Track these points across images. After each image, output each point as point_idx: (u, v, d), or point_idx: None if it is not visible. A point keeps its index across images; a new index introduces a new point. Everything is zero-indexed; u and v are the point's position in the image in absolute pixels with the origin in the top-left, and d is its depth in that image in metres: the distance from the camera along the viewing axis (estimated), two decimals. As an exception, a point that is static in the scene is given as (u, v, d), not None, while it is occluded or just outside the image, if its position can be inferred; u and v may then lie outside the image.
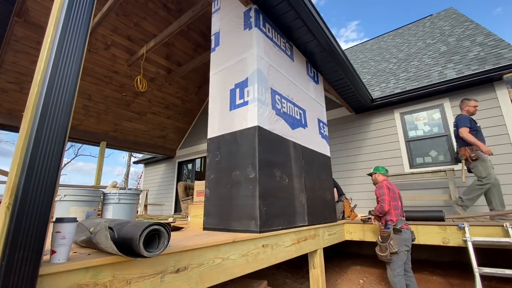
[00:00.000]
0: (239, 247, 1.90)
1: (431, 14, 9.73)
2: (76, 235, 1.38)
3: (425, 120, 5.14)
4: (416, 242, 3.19)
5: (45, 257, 1.04)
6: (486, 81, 4.48)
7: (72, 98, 1.10)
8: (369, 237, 3.52)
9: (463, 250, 4.00)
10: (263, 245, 2.15)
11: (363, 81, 6.45)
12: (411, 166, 5.10)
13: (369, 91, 5.66)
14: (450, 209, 4.40)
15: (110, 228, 1.17)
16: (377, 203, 3.12)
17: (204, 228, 2.60)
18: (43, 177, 0.97)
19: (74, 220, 1.13)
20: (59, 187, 2.60)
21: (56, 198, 2.36)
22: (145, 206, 7.89)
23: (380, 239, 2.90)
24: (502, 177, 4.16)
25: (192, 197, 4.87)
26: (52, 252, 1.05)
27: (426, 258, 4.47)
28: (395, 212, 2.95)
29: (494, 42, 5.16)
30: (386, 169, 3.43)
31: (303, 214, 2.92)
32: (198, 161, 9.44)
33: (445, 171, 4.40)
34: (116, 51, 5.97)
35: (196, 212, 2.96)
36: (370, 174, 3.49)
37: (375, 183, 3.39)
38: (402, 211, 3.04)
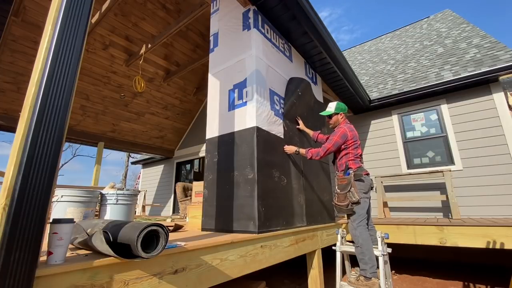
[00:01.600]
0: (237, 248, 1.89)
1: (428, 16, 9.80)
2: (73, 236, 1.37)
3: (423, 121, 5.16)
4: (413, 242, 3.20)
5: (42, 258, 1.04)
6: (482, 82, 4.52)
7: (70, 98, 1.09)
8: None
9: (460, 250, 4.04)
10: (261, 246, 2.15)
11: (361, 82, 6.48)
12: (408, 167, 5.12)
13: (367, 92, 5.68)
14: (447, 209, 4.43)
15: (104, 231, 1.17)
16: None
17: (203, 229, 2.59)
18: (40, 178, 0.96)
19: (71, 221, 1.12)
20: (57, 188, 2.59)
21: (53, 199, 2.35)
22: (143, 206, 7.87)
23: (337, 188, 2.54)
24: (498, 178, 4.20)
25: (191, 198, 4.86)
26: (49, 253, 1.04)
27: (423, 258, 4.49)
28: (356, 159, 2.63)
29: (490, 44, 5.21)
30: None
31: (301, 215, 2.92)
32: (196, 162, 9.42)
33: (442, 171, 4.43)
34: (114, 51, 5.95)
35: (194, 213, 2.95)
36: (330, 116, 2.90)
37: (334, 126, 2.89)
38: (361, 159, 2.77)
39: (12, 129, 6.14)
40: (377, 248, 2.43)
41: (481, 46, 5.33)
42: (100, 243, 1.08)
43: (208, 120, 2.94)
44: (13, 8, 4.37)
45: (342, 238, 2.69)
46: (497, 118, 4.33)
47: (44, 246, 1.06)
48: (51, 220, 1.10)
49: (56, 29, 1.10)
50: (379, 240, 2.45)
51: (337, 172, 2.69)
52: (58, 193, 2.33)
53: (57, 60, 1.07)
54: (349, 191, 2.44)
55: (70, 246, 1.37)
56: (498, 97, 4.39)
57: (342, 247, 2.65)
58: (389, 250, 2.52)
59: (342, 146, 2.67)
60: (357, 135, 2.72)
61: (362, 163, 2.72)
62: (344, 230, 2.73)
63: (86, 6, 1.20)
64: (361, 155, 2.70)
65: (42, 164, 0.97)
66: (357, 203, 2.42)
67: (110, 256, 1.12)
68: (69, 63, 1.10)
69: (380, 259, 2.35)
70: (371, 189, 2.65)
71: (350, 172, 2.53)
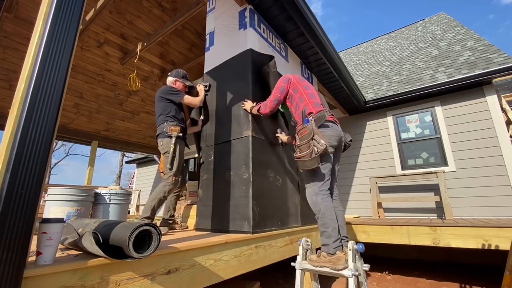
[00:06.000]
0: (231, 248, 1.88)
1: (423, 19, 9.91)
2: (64, 236, 1.35)
3: (417, 122, 5.21)
4: (407, 242, 3.22)
5: (31, 259, 1.01)
6: (476, 85, 4.58)
7: (61, 95, 1.07)
8: (361, 238, 3.55)
9: (453, 251, 4.08)
10: (256, 246, 2.14)
11: (357, 83, 6.51)
12: (403, 168, 5.16)
13: (363, 93, 5.72)
14: (441, 210, 4.48)
15: (94, 232, 1.15)
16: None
17: (197, 229, 2.58)
18: (29, 176, 0.94)
19: (61, 220, 1.10)
20: (49, 187, 2.54)
21: (46, 198, 2.31)
22: (137, 206, 7.80)
23: (298, 141, 1.94)
24: (491, 179, 4.25)
25: (185, 198, 4.82)
26: (38, 253, 1.02)
27: (416, 259, 4.53)
28: (316, 101, 2.08)
29: (484, 47, 5.28)
30: None
31: (296, 215, 2.92)
32: (191, 162, 9.37)
33: (435, 173, 4.47)
34: (109, 49, 5.88)
35: (189, 213, 2.93)
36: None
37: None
38: (325, 108, 2.12)
39: (3, 127, 6.03)
40: (347, 266, 1.69)
41: (475, 49, 5.40)
42: (90, 245, 1.06)
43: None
44: (5, 4, 4.29)
45: (307, 251, 1.98)
46: (490, 120, 4.39)
47: (34, 246, 1.04)
48: (41, 220, 1.08)
49: (47, 24, 1.07)
50: (350, 254, 1.76)
51: (287, 137, 2.22)
52: (50, 191, 2.29)
53: (48, 55, 1.04)
54: (312, 138, 1.86)
55: (61, 246, 1.34)
56: (491, 100, 4.46)
57: (304, 264, 1.88)
58: (366, 266, 1.82)
59: (291, 91, 2.16)
60: (309, 85, 2.19)
61: (327, 112, 2.06)
62: (309, 240, 2.00)
63: (78, 0, 1.18)
64: (322, 104, 2.10)
65: (31, 162, 0.95)
66: (324, 153, 1.87)
67: (100, 256, 1.10)
68: (60, 59, 1.08)
69: (351, 281, 1.62)
70: (343, 148, 2.11)
71: (309, 118, 1.97)
